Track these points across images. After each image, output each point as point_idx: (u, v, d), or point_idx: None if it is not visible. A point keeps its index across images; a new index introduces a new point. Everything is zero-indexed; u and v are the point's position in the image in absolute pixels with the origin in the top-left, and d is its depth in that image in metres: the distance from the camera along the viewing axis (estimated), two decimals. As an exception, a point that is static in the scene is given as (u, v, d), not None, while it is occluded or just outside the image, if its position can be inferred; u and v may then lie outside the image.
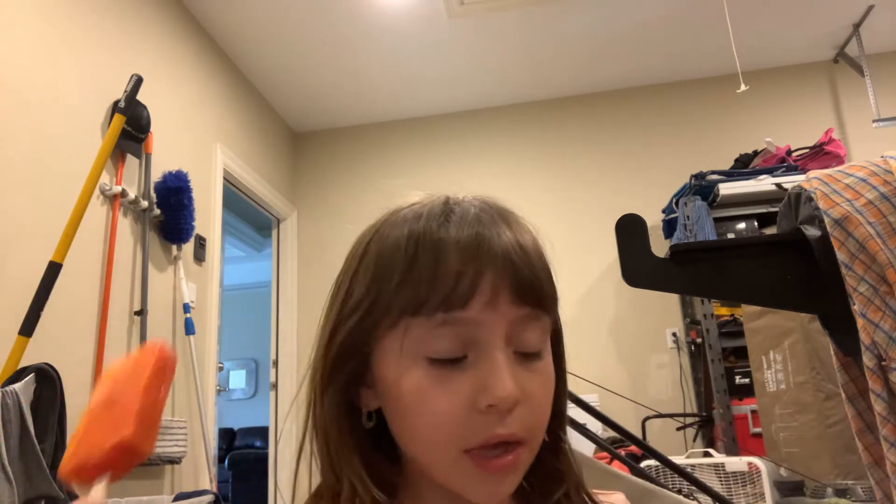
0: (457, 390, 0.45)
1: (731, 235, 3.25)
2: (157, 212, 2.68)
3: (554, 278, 0.49)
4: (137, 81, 2.40)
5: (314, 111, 4.23)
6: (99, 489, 0.51)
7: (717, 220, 3.23)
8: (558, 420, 0.53)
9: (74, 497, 0.51)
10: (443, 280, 0.44)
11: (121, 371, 0.58)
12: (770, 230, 3.11)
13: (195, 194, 2.82)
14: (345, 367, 0.49)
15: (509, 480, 0.46)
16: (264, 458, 4.59)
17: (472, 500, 0.47)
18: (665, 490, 1.06)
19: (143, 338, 2.54)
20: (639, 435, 2.58)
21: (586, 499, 0.54)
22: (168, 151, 2.86)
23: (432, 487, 0.49)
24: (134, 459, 0.52)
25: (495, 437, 0.45)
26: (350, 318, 0.48)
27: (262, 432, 6.23)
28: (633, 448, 2.25)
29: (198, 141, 3.20)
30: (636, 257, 1.08)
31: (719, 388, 3.02)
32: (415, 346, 0.46)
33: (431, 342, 0.45)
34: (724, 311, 3.23)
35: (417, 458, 0.49)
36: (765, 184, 3.22)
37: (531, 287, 0.46)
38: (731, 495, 2.07)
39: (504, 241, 0.46)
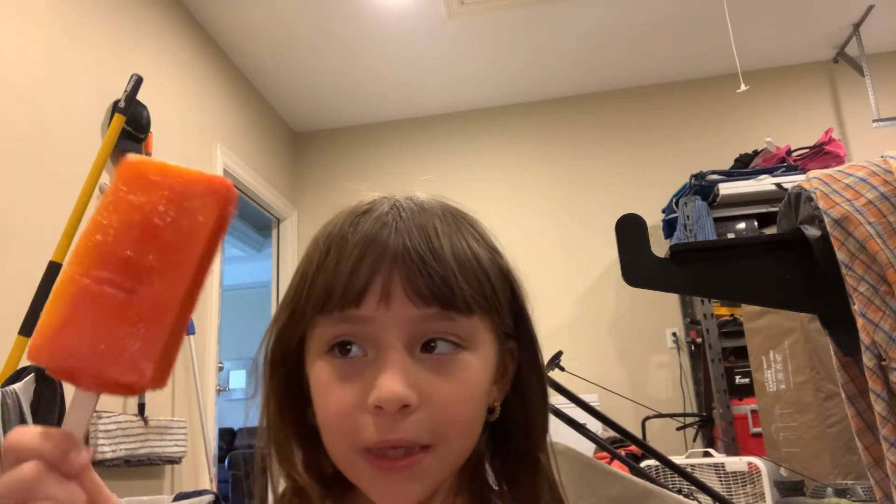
0: (351, 388, 0.45)
1: (731, 235, 3.25)
2: (157, 212, 2.68)
3: (493, 280, 0.48)
4: (137, 81, 2.40)
5: (314, 111, 4.23)
6: (88, 405, 0.37)
7: (717, 220, 3.22)
8: (532, 438, 0.51)
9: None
10: (339, 278, 0.45)
11: (159, 221, 0.36)
12: (770, 230, 3.11)
13: (195, 194, 2.81)
14: (281, 365, 0.50)
15: (410, 487, 0.45)
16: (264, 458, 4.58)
17: (376, 502, 0.46)
18: (665, 490, 1.06)
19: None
20: (639, 435, 2.58)
21: None
22: (168, 151, 2.85)
23: None
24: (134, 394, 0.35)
25: (384, 441, 0.44)
26: (280, 317, 0.49)
27: (263, 432, 6.22)
28: (633, 448, 2.25)
29: (198, 141, 3.20)
30: (636, 257, 1.08)
31: (719, 388, 3.01)
32: (320, 343, 0.47)
33: (331, 339, 0.46)
34: (724, 311, 3.23)
35: (330, 456, 0.48)
36: (765, 184, 3.22)
37: (431, 288, 0.44)
38: (731, 495, 2.07)
39: (401, 242, 0.45)
